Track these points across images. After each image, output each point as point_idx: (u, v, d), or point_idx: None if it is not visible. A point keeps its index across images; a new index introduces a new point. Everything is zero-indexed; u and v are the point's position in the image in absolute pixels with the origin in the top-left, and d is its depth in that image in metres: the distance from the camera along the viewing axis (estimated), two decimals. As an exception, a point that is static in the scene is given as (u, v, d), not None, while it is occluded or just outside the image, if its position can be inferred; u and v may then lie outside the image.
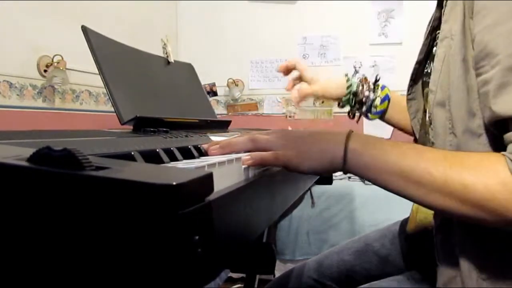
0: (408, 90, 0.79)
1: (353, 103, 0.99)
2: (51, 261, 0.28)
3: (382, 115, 0.98)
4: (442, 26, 0.60)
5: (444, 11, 0.61)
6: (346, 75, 1.01)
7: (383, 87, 0.98)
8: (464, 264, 0.55)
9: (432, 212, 0.66)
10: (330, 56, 2.83)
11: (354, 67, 2.81)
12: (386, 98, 0.97)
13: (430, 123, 0.62)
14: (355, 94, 0.98)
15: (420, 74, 0.76)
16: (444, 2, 0.62)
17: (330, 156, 0.53)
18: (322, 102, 2.79)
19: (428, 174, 0.49)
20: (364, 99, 0.97)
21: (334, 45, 2.82)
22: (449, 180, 0.48)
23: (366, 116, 1.00)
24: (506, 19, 0.49)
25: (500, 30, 0.49)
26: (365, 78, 0.99)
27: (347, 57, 2.80)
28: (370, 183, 0.54)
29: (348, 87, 0.98)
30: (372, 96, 0.97)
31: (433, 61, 0.63)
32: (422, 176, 0.49)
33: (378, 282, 0.79)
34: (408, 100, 0.79)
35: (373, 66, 2.77)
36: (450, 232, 0.58)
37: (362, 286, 0.76)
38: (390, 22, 2.73)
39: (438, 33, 0.63)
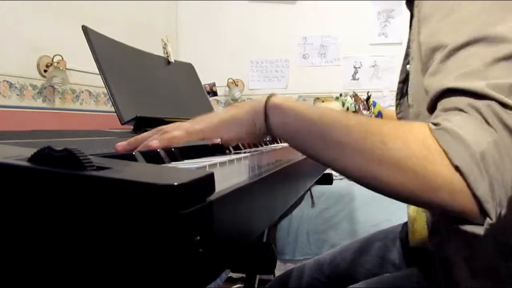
0: (397, 109, 0.80)
1: None
2: (52, 261, 0.28)
3: None
4: (411, 45, 0.61)
5: (411, 31, 0.62)
6: (337, 98, 1.03)
7: (374, 104, 1.01)
8: (456, 271, 0.56)
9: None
10: (330, 56, 2.83)
11: (354, 67, 2.81)
12: (379, 115, 1.00)
13: None
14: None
15: (405, 93, 0.77)
16: (411, 23, 0.63)
17: (250, 116, 0.51)
18: (323, 102, 2.79)
19: (347, 133, 0.46)
20: None
21: (334, 45, 2.82)
22: (369, 137, 0.45)
23: None
24: (446, 14, 0.49)
25: (444, 24, 0.49)
26: (356, 95, 1.01)
27: (347, 57, 2.81)
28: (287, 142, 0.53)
29: (347, 110, 1.00)
30: (367, 114, 0.99)
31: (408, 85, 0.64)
32: (341, 135, 0.46)
33: (377, 278, 0.79)
34: (399, 118, 0.80)
35: (373, 66, 2.77)
36: (441, 239, 0.59)
37: (361, 283, 0.77)
38: (390, 22, 2.73)
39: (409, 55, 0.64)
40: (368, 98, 0.98)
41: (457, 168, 0.41)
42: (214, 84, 2.86)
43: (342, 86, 2.79)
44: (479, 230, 0.43)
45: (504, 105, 0.42)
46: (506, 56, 0.45)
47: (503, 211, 0.42)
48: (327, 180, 1.44)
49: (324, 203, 2.14)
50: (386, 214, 1.97)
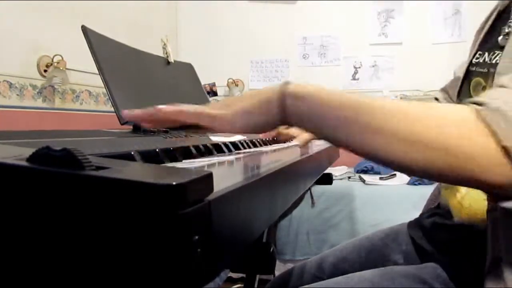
0: (459, 88, 0.78)
1: None
2: (51, 261, 0.28)
3: None
4: None
5: None
6: None
7: None
8: (506, 270, 0.54)
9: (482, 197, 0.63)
10: (330, 56, 2.83)
11: (354, 67, 2.81)
12: None
13: None
14: None
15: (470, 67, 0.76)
16: None
17: (265, 106, 0.49)
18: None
19: (374, 115, 0.45)
20: None
21: (334, 45, 2.82)
22: (399, 118, 0.44)
23: None
24: None
25: None
26: None
27: (347, 57, 2.81)
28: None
29: None
30: None
31: (487, 52, 0.62)
32: (368, 117, 0.45)
33: (391, 267, 0.78)
34: (458, 98, 0.79)
35: (373, 66, 2.77)
36: (496, 233, 0.57)
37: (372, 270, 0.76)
38: (390, 22, 2.73)
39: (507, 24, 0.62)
40: None
41: (504, 149, 0.41)
42: (214, 84, 2.86)
43: (342, 86, 2.79)
44: None
45: None
46: None
47: None
48: (327, 180, 1.43)
49: (324, 203, 2.14)
50: (386, 214, 1.97)
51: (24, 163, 0.29)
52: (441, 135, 0.43)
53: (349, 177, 2.32)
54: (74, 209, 0.27)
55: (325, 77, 2.81)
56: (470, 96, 0.74)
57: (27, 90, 1.87)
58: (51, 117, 1.98)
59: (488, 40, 0.72)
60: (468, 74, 0.74)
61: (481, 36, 0.74)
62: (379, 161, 0.47)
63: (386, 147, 0.44)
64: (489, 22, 0.73)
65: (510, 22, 0.63)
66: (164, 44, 1.20)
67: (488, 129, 0.42)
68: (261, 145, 0.75)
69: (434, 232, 0.83)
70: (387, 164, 0.46)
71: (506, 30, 0.63)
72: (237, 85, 2.86)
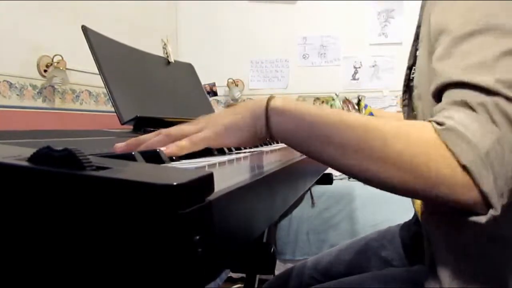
0: (403, 96, 0.80)
1: None
2: (51, 261, 0.28)
3: None
4: (422, 27, 0.62)
5: (423, 12, 0.63)
6: (327, 102, 1.02)
7: (365, 106, 1.00)
8: (441, 267, 0.56)
9: None
10: (330, 56, 2.83)
11: (354, 67, 2.81)
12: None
13: (415, 118, 0.63)
14: None
15: (411, 79, 0.77)
16: (421, 8, 0.64)
17: (252, 122, 0.51)
18: (322, 102, 2.79)
19: (348, 135, 0.47)
20: None
21: (334, 45, 2.82)
22: (370, 136, 0.46)
23: None
24: None
25: (452, 8, 0.50)
26: (348, 100, 1.00)
27: (347, 57, 2.81)
28: (286, 144, 0.52)
29: None
30: None
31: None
32: (342, 136, 0.47)
33: (385, 271, 0.79)
34: (403, 106, 0.80)
35: (373, 66, 2.77)
36: (431, 232, 0.59)
37: (369, 273, 0.77)
38: (390, 22, 2.73)
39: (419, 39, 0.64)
40: (359, 101, 0.97)
41: (464, 167, 0.43)
42: (214, 84, 2.86)
43: (342, 86, 2.80)
44: (481, 219, 0.45)
45: (510, 100, 0.44)
46: None
47: (504, 202, 0.44)
48: (327, 180, 1.43)
49: (324, 203, 2.14)
50: (386, 214, 1.97)
51: (25, 163, 0.29)
52: (411, 158, 0.45)
53: (349, 177, 2.32)
54: (74, 209, 0.27)
55: (325, 77, 2.81)
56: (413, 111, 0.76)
57: (27, 90, 1.87)
58: (51, 117, 1.98)
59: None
60: (409, 88, 0.76)
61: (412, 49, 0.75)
62: (359, 179, 0.49)
63: (363, 167, 0.46)
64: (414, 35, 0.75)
65: (418, 42, 0.64)
66: (164, 44, 1.20)
67: (448, 149, 0.44)
68: (261, 145, 0.75)
69: (418, 237, 0.85)
70: (367, 182, 0.49)
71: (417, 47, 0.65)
72: (237, 85, 2.86)
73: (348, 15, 2.78)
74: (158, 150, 0.46)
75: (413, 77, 0.74)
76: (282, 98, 0.52)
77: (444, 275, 0.55)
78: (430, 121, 0.47)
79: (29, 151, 0.30)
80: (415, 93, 0.62)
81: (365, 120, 0.49)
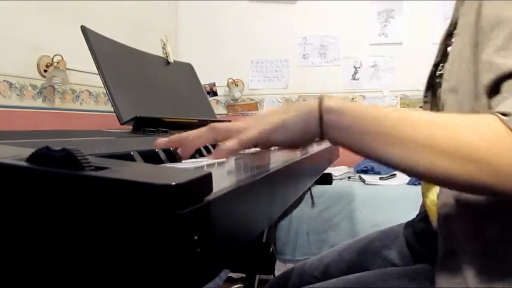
0: (425, 93, 0.80)
1: None
2: (50, 261, 0.28)
3: None
4: (458, 24, 0.62)
5: (460, 12, 0.63)
6: None
7: None
8: (464, 264, 0.55)
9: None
10: (330, 56, 2.83)
11: (354, 67, 2.81)
12: None
13: (442, 109, 0.62)
14: None
15: (435, 77, 0.77)
16: (460, 5, 0.64)
17: (302, 121, 0.49)
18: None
19: (413, 130, 0.46)
20: None
21: (334, 45, 2.82)
22: (437, 131, 0.45)
23: None
24: None
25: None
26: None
27: (347, 57, 2.81)
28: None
29: None
30: None
31: (446, 62, 0.64)
32: (406, 132, 0.46)
33: (388, 269, 0.79)
34: (424, 102, 0.80)
35: (373, 66, 2.77)
36: (450, 227, 0.58)
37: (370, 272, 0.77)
38: (390, 22, 2.73)
39: (453, 34, 0.64)
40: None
41: None
42: (214, 84, 2.86)
43: (342, 86, 2.79)
44: None
45: None
46: None
47: None
48: (327, 180, 1.44)
49: (324, 203, 2.14)
50: (386, 214, 1.96)
51: (24, 163, 0.29)
52: (482, 151, 0.44)
53: (349, 177, 2.32)
54: (73, 210, 0.27)
55: (325, 77, 2.81)
56: (437, 105, 0.76)
57: (27, 90, 1.87)
58: (51, 117, 1.99)
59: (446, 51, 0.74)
60: (434, 85, 0.76)
61: (442, 46, 0.75)
62: (424, 177, 0.48)
63: (432, 164, 0.45)
64: (445, 34, 0.75)
65: (451, 38, 0.65)
66: (164, 44, 1.20)
67: None
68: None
69: (424, 235, 0.84)
70: (432, 180, 0.48)
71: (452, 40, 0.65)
72: (237, 85, 2.86)
73: (348, 15, 2.78)
74: (156, 150, 0.46)
75: (439, 74, 0.73)
76: (334, 98, 0.50)
77: (468, 272, 0.54)
78: (492, 113, 0.46)
79: (28, 151, 0.30)
80: (445, 87, 0.61)
81: (429, 115, 0.49)
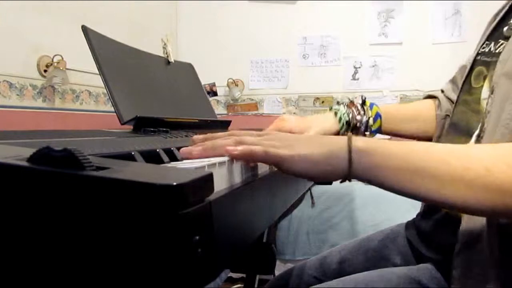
0: (465, 78, 0.80)
1: (350, 130, 0.99)
2: (51, 261, 0.28)
3: (379, 131, 0.99)
4: None
5: None
6: (330, 108, 0.99)
7: (371, 106, 0.98)
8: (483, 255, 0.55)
9: None
10: (330, 56, 2.83)
11: (354, 67, 2.81)
12: (378, 116, 0.97)
13: (492, 92, 0.61)
14: (348, 122, 0.96)
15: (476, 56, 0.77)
16: None
17: (330, 159, 0.50)
18: (322, 102, 2.79)
19: (445, 164, 0.47)
20: (358, 124, 0.97)
21: (334, 45, 2.82)
22: (469, 165, 0.46)
23: (364, 135, 1.00)
24: None
25: None
26: (352, 102, 0.98)
27: (347, 57, 2.80)
28: (371, 184, 0.52)
29: (340, 120, 0.96)
30: (364, 118, 0.96)
31: (493, 41, 0.63)
32: (438, 167, 0.47)
33: (390, 269, 0.79)
34: (460, 90, 0.80)
35: (373, 66, 2.77)
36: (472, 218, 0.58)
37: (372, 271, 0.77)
38: (390, 22, 2.73)
39: None
40: (363, 102, 0.96)
41: None
42: (214, 84, 2.86)
43: (342, 86, 2.79)
44: None
45: None
46: None
47: None
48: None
49: (324, 203, 2.14)
50: (386, 214, 1.97)
51: (25, 163, 0.29)
52: None
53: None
54: (74, 209, 0.27)
55: (325, 77, 2.81)
56: (471, 86, 0.75)
57: (27, 90, 1.87)
58: (51, 117, 1.98)
59: (496, 31, 0.74)
60: (474, 63, 0.75)
61: (491, 26, 0.75)
62: (457, 209, 0.49)
63: (464, 197, 0.46)
64: (501, 14, 0.74)
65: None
66: (164, 44, 1.20)
67: None
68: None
69: (434, 233, 0.83)
70: (465, 211, 0.49)
71: None
72: (237, 85, 2.86)
73: (348, 15, 2.78)
74: (157, 150, 0.46)
75: (482, 51, 0.74)
76: (362, 138, 0.51)
77: (487, 264, 0.54)
78: None
79: (29, 151, 0.30)
80: (499, 69, 0.60)
81: (457, 148, 0.49)
